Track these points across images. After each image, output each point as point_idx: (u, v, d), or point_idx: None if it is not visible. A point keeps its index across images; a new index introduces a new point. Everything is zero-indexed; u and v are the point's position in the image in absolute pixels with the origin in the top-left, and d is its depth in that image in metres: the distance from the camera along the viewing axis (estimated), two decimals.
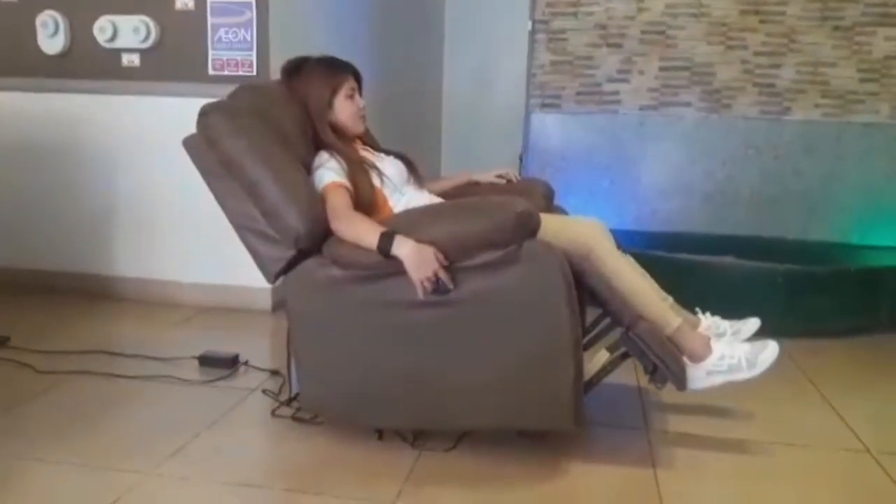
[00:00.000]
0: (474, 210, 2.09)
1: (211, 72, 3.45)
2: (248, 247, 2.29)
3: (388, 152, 2.54)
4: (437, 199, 2.47)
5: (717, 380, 2.23)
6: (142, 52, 3.52)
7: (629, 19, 4.36)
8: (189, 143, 2.32)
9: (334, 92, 2.40)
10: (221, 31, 3.42)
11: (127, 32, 3.48)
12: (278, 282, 2.28)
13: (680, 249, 3.73)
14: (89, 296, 3.68)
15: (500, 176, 2.72)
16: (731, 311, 3.44)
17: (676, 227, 4.32)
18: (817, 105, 4.26)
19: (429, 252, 1.98)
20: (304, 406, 2.33)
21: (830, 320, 3.49)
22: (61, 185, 3.72)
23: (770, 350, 2.24)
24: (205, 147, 2.24)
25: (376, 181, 2.34)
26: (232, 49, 3.42)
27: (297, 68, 2.45)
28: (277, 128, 2.28)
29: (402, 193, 2.39)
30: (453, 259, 2.01)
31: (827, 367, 3.08)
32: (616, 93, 4.44)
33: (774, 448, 2.34)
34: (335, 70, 2.43)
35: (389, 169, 2.41)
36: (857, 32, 4.17)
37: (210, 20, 3.42)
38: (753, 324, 2.51)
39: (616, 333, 2.26)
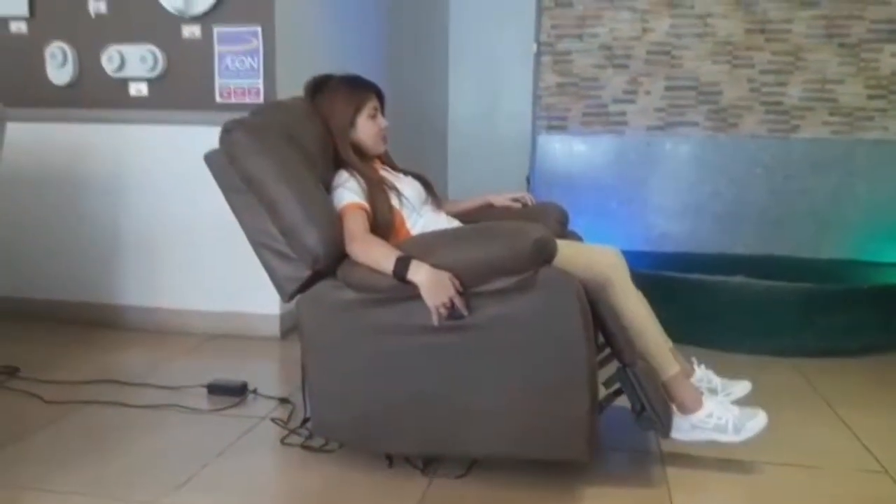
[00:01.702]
0: (491, 235, 2.07)
1: (218, 100, 3.47)
2: (264, 265, 2.28)
3: (406, 173, 2.53)
4: (454, 222, 2.45)
5: (700, 436, 2.24)
6: (149, 80, 3.54)
7: (634, 40, 4.37)
8: (211, 159, 2.32)
9: (357, 111, 2.39)
10: (228, 59, 3.44)
11: (134, 62, 3.51)
12: (293, 301, 2.27)
13: (689, 270, 3.71)
14: (97, 325, 3.67)
15: (515, 199, 2.70)
16: (744, 331, 3.45)
17: (685, 247, 4.30)
18: (825, 123, 4.25)
19: (444, 278, 1.97)
20: (315, 429, 2.31)
21: (844, 339, 3.45)
22: (69, 213, 3.73)
23: (758, 420, 2.22)
24: (226, 163, 2.24)
25: (395, 202, 2.32)
26: (239, 77, 3.44)
27: (320, 86, 2.43)
28: (300, 145, 2.26)
29: (420, 215, 2.37)
30: (469, 285, 2.00)
31: (842, 386, 3.04)
32: (622, 113, 4.44)
33: (790, 469, 2.31)
34: (359, 89, 2.43)
35: (408, 190, 2.39)
36: (864, 49, 4.16)
37: (217, 48, 3.45)
38: (744, 387, 2.50)
39: (611, 366, 2.23)
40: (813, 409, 2.80)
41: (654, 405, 2.12)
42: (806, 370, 3.21)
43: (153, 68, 3.50)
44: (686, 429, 2.24)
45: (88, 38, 3.58)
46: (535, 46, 4.64)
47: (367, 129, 2.40)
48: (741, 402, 2.36)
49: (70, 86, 3.63)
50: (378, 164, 2.47)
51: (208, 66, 3.46)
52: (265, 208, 2.18)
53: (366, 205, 2.22)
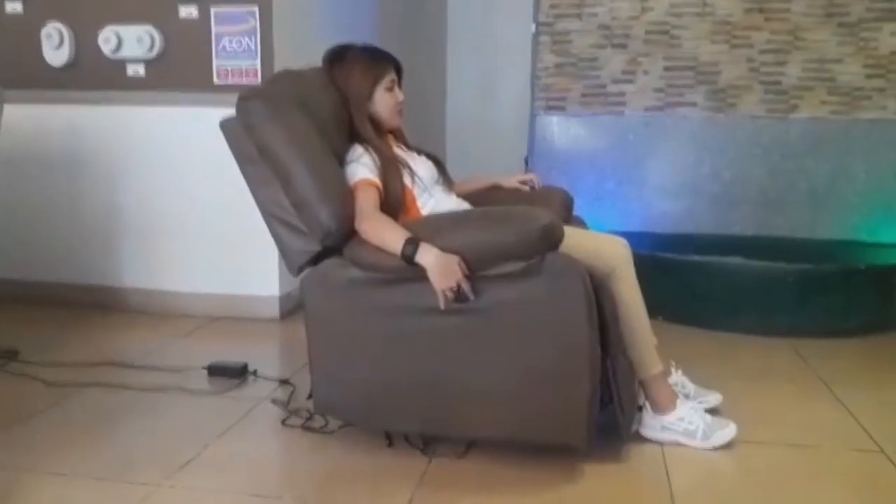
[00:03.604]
0: (499, 220, 2.07)
1: (216, 81, 3.46)
2: (274, 236, 2.28)
3: (419, 152, 2.50)
4: (464, 203, 2.44)
5: (668, 437, 2.29)
6: (147, 61, 3.53)
7: (633, 19, 4.35)
8: (226, 127, 2.30)
9: (375, 83, 2.35)
10: (225, 40, 3.43)
11: (131, 42, 3.49)
12: (296, 280, 2.27)
13: (687, 250, 3.72)
14: (97, 307, 3.68)
15: (523, 182, 2.68)
16: (741, 311, 3.46)
17: (684, 227, 4.30)
18: (824, 102, 4.24)
19: (452, 261, 1.97)
20: (316, 406, 2.31)
21: (841, 319, 3.47)
22: (67, 195, 3.73)
23: (728, 431, 2.28)
24: (242, 132, 2.21)
25: (407, 180, 2.30)
26: (236, 58, 3.42)
27: (339, 56, 2.39)
28: (316, 117, 2.23)
29: (431, 195, 2.35)
30: (476, 268, 2.00)
31: (839, 366, 3.06)
32: (621, 94, 4.42)
33: (786, 448, 2.32)
34: (378, 60, 2.39)
35: (421, 169, 2.37)
36: (863, 28, 4.14)
37: (214, 29, 3.43)
38: (716, 398, 2.54)
39: None
40: (809, 388, 2.82)
41: (623, 403, 2.15)
42: (802, 349, 3.22)
43: (150, 49, 3.48)
44: (655, 427, 2.30)
45: (85, 19, 3.55)
46: (533, 26, 4.62)
47: (384, 101, 2.37)
48: (713, 412, 2.41)
49: (66, 67, 3.61)
50: (392, 140, 2.45)
51: (206, 47, 3.45)
52: (279, 180, 2.16)
53: (378, 182, 2.20)
